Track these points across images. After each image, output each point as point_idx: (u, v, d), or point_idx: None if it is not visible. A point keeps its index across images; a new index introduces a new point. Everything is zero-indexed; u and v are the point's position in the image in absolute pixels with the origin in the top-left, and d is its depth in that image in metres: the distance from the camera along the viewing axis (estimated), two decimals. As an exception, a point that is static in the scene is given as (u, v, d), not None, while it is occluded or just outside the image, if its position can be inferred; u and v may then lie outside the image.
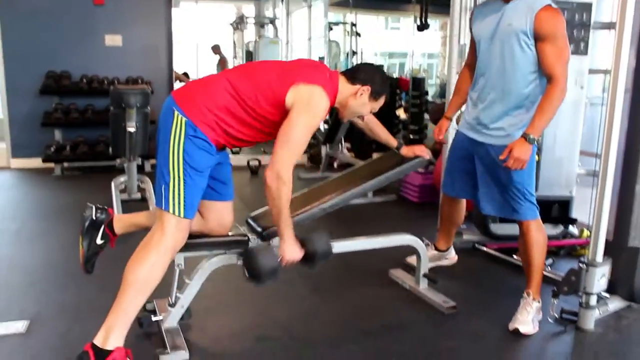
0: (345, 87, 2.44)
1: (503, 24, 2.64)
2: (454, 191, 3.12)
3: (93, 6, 6.63)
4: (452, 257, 3.46)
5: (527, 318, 2.70)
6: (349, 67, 2.72)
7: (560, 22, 2.53)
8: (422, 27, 3.97)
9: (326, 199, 2.75)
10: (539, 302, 2.77)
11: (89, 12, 6.63)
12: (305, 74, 2.33)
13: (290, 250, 2.36)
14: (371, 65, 2.61)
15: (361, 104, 2.48)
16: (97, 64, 6.68)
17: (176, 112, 2.22)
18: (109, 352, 2.11)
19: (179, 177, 2.20)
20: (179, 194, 2.20)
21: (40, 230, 4.23)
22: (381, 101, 2.54)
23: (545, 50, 2.54)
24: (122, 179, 4.65)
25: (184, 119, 2.21)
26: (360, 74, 2.47)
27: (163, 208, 2.22)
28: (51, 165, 6.31)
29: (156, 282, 2.21)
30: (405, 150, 2.93)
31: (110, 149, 4.76)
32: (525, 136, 2.55)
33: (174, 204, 2.20)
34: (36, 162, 6.44)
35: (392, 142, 2.94)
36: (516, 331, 2.66)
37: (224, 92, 2.26)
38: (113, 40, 6.75)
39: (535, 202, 2.78)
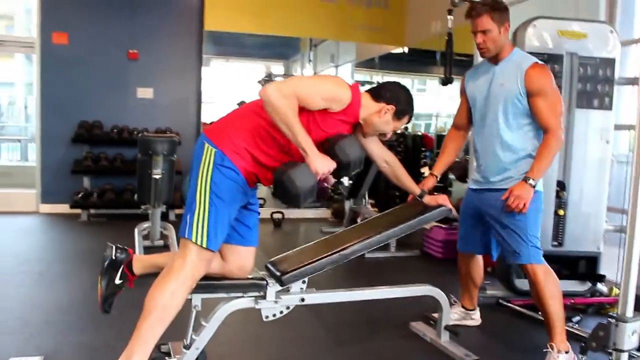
0: (369, 103, 2.45)
1: (495, 85, 2.80)
2: (468, 246, 3.19)
3: (127, 60, 6.90)
4: (476, 318, 3.40)
5: None
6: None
7: (548, 78, 2.72)
8: (447, 81, 4.02)
9: (347, 246, 2.70)
10: (566, 352, 2.67)
11: (123, 65, 6.91)
12: None
13: (320, 162, 2.21)
14: (396, 84, 2.57)
15: (384, 122, 2.48)
16: (128, 115, 6.91)
17: (206, 144, 2.27)
18: None
19: (204, 206, 2.21)
20: (202, 223, 2.21)
21: (63, 273, 4.28)
22: (404, 120, 2.54)
23: (538, 105, 2.70)
24: (145, 225, 4.69)
25: (213, 150, 2.25)
26: (386, 92, 2.48)
27: (186, 236, 2.22)
28: (78, 211, 6.42)
29: (175, 310, 2.19)
30: (428, 199, 2.90)
31: (136, 196, 4.82)
32: (525, 179, 2.68)
33: (197, 233, 2.20)
34: (64, 208, 6.56)
35: (416, 189, 2.91)
36: None
37: (252, 115, 2.30)
38: (144, 92, 6.98)
39: (540, 248, 2.80)
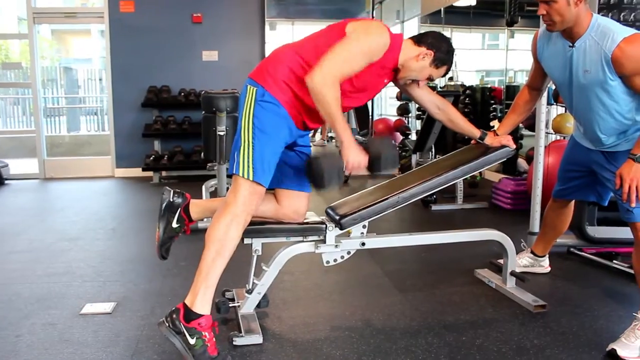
0: (409, 48, 2.42)
1: (578, 71, 2.37)
2: (568, 194, 2.94)
3: (191, 24, 7.00)
4: (545, 266, 3.28)
5: (633, 343, 2.27)
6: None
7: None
8: (512, 22, 3.78)
9: (406, 189, 2.64)
10: None
11: (188, 29, 7.02)
12: None
13: (354, 154, 2.24)
14: (440, 33, 2.52)
15: (420, 67, 2.44)
16: (195, 78, 7.04)
17: (249, 86, 2.30)
18: (198, 315, 2.14)
19: (248, 140, 2.24)
20: (248, 157, 2.23)
21: (134, 228, 4.48)
22: (442, 71, 2.49)
23: (637, 83, 2.26)
24: (212, 182, 4.77)
25: (254, 88, 2.27)
26: (428, 38, 2.44)
27: (234, 172, 2.26)
28: (150, 174, 6.66)
29: (231, 242, 2.20)
30: (491, 140, 2.79)
31: (202, 154, 4.91)
32: (632, 157, 2.30)
33: (243, 167, 2.23)
34: (137, 172, 6.84)
35: (475, 132, 2.80)
36: (612, 352, 2.27)
37: (291, 53, 2.30)
38: (210, 55, 7.08)
39: None
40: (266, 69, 2.30)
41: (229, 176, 4.82)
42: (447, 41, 2.49)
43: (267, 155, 2.26)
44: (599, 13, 3.35)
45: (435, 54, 2.42)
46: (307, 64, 2.26)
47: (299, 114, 2.34)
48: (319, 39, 2.33)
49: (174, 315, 2.16)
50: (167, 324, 2.16)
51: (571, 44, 2.37)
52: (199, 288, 2.18)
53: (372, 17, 8.82)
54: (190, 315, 2.14)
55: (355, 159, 2.25)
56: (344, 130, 2.24)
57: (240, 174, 2.23)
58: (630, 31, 2.23)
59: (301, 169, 2.50)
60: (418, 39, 2.44)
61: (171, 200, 2.52)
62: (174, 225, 2.51)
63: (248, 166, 2.23)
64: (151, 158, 6.65)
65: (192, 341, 2.12)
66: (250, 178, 2.22)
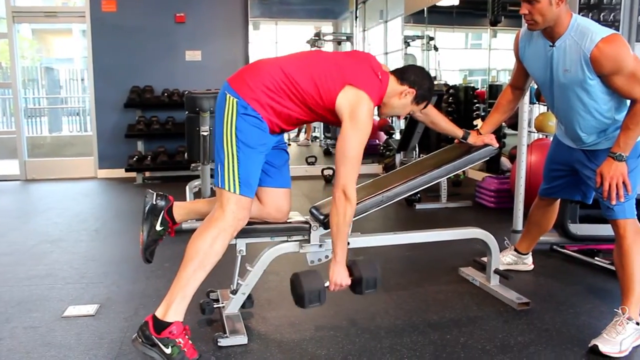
0: (393, 86, 2.43)
1: (558, 70, 2.40)
2: (554, 193, 2.96)
3: (174, 24, 6.96)
4: (529, 263, 3.31)
5: (615, 338, 2.29)
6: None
7: (619, 52, 2.22)
8: (495, 22, 3.82)
9: (390, 188, 2.65)
10: (637, 324, 2.35)
11: (171, 29, 6.99)
12: (357, 75, 2.31)
13: (340, 274, 2.32)
14: (422, 69, 2.55)
15: (403, 105, 2.47)
16: (178, 78, 7.00)
17: (228, 95, 2.26)
18: (168, 324, 2.13)
19: (232, 154, 2.22)
20: (233, 171, 2.22)
21: (117, 230, 4.44)
22: (422, 106, 2.53)
23: (616, 82, 2.27)
24: (196, 182, 4.74)
25: (235, 99, 2.24)
26: (410, 75, 2.45)
27: (219, 186, 2.24)
28: (133, 174, 6.63)
29: (215, 257, 2.21)
30: (474, 139, 2.81)
31: (186, 154, 4.89)
32: (612, 155, 2.34)
33: (229, 181, 2.21)
34: (120, 172, 6.80)
35: (458, 132, 2.82)
36: (595, 348, 2.27)
37: (276, 78, 2.26)
38: (193, 55, 7.05)
39: (633, 202, 2.46)
40: (247, 82, 2.27)
41: (212, 176, 4.82)
42: (429, 78, 2.53)
43: (252, 167, 2.26)
44: (579, 13, 3.38)
45: (417, 92, 2.44)
46: (294, 88, 2.27)
47: (278, 127, 2.34)
48: (312, 70, 2.30)
49: (145, 329, 2.16)
50: (140, 340, 2.16)
51: (551, 44, 2.40)
52: (175, 297, 2.17)
53: (356, 17, 8.83)
54: (160, 325, 2.14)
55: (339, 278, 2.33)
56: (342, 249, 2.32)
57: (227, 188, 2.22)
58: (609, 31, 2.26)
59: (279, 166, 2.52)
60: (401, 76, 2.45)
61: (154, 203, 2.50)
62: (158, 228, 2.49)
63: (234, 180, 2.22)
64: (134, 159, 6.61)
65: (168, 351, 2.12)
66: (237, 192, 2.22)
